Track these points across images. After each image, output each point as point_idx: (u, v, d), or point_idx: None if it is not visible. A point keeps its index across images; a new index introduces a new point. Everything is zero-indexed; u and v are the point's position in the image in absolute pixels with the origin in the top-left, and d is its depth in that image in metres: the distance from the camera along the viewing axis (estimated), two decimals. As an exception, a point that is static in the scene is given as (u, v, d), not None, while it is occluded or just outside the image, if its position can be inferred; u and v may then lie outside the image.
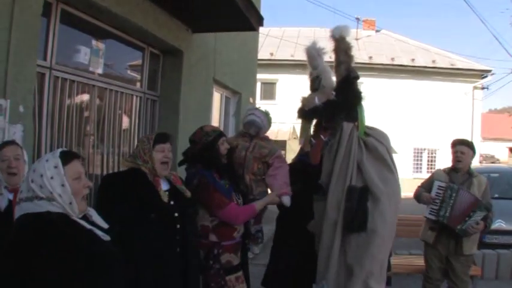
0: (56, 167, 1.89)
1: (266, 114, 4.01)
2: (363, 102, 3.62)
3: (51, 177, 1.87)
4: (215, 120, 8.26)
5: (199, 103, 6.71)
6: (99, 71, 4.72)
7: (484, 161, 26.23)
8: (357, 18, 23.83)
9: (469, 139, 5.13)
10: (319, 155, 3.55)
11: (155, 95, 5.83)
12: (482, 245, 5.95)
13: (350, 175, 3.28)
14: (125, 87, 5.24)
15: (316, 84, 3.69)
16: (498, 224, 7.02)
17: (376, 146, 3.37)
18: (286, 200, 3.60)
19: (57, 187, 1.87)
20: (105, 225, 2.05)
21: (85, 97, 4.58)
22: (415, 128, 21.35)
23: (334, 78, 3.68)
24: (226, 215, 3.24)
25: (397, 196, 3.36)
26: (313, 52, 3.76)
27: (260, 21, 6.27)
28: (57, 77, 4.07)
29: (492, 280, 6.32)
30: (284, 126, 19.23)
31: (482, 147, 26.49)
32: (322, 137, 3.56)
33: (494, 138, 40.18)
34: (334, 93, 3.59)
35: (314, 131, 3.76)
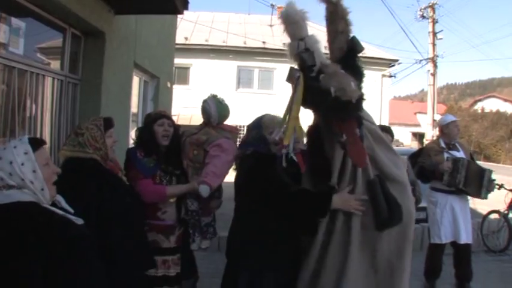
0: (26, 153, 1.86)
1: (217, 101, 3.95)
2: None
3: (22, 164, 1.83)
4: (134, 105, 8.07)
5: (120, 87, 6.52)
6: (19, 51, 4.43)
7: (389, 145, 27.74)
8: (272, 5, 24.06)
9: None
10: (365, 154, 2.78)
11: (76, 78, 5.56)
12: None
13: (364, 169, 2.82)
14: (46, 70, 4.96)
15: (310, 59, 2.83)
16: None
17: (374, 128, 3.01)
18: (203, 190, 3.48)
19: (29, 173, 1.84)
20: (71, 211, 2.03)
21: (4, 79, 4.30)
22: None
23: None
24: (137, 190, 3.28)
25: (405, 178, 3.02)
26: (297, 17, 2.90)
27: (185, 4, 6.18)
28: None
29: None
30: (198, 111, 19.07)
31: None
32: (357, 130, 2.72)
33: (399, 123, 42.84)
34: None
35: (334, 124, 2.83)
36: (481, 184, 5.31)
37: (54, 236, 1.77)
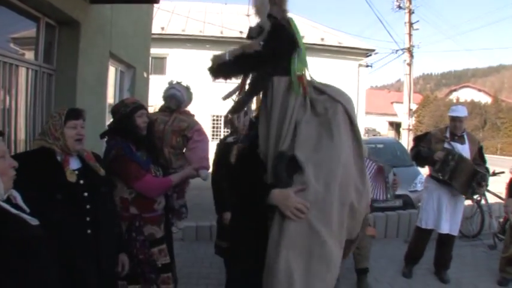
0: None
1: (187, 88, 4.03)
2: (299, 52, 2.65)
3: None
4: (110, 96, 7.98)
5: (96, 77, 6.43)
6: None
7: (366, 134, 28.07)
8: (249, -5, 23.92)
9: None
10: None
11: (51, 69, 5.47)
12: (372, 208, 6.67)
13: (283, 140, 2.43)
14: (20, 60, 4.88)
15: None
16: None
17: (327, 108, 2.49)
18: (204, 174, 3.66)
19: None
20: (27, 209, 1.93)
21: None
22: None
23: None
24: (141, 186, 3.22)
25: (329, 164, 2.31)
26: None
27: (162, -6, 6.13)
28: None
29: (382, 239, 7.27)
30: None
31: (365, 121, 28.46)
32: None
33: (376, 113, 43.33)
34: (261, 43, 2.60)
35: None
36: (470, 184, 5.34)
37: (5, 236, 1.70)
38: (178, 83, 4.08)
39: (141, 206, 3.29)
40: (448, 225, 5.53)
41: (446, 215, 5.51)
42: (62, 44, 5.59)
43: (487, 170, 5.52)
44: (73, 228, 2.57)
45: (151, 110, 4.01)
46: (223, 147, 4.74)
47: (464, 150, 5.46)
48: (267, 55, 2.53)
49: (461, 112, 5.65)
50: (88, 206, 2.67)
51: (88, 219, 2.66)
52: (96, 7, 6.09)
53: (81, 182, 2.69)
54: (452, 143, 5.51)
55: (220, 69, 2.71)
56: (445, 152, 5.39)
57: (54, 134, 2.66)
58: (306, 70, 2.67)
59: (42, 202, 2.41)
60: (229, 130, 4.89)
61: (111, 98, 8.01)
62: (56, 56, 5.58)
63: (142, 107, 3.47)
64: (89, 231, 2.65)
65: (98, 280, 2.62)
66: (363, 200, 2.38)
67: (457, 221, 5.60)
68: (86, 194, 2.69)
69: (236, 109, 2.87)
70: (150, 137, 3.51)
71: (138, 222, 3.27)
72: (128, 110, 3.37)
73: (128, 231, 3.23)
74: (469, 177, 5.31)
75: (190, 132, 3.80)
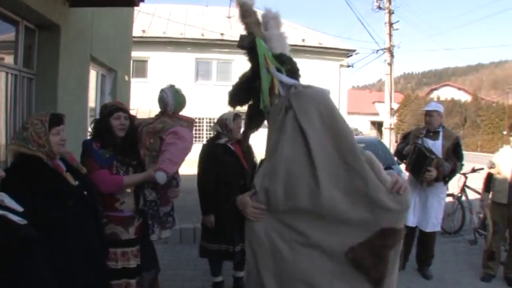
0: None
1: (175, 91, 3.98)
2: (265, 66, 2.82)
3: None
4: (91, 100, 7.92)
5: (77, 81, 6.39)
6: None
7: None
8: (230, -3, 23.95)
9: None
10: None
11: (31, 73, 5.41)
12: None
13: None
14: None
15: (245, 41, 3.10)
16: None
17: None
18: (159, 177, 3.50)
19: None
20: (20, 209, 1.96)
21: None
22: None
23: None
24: (93, 179, 3.21)
25: (273, 163, 2.36)
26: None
27: (142, -4, 6.11)
28: None
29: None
30: (157, 104, 18.83)
31: (348, 121, 28.66)
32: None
33: (357, 112, 43.65)
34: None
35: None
36: (421, 169, 5.44)
37: None
38: (171, 86, 4.04)
39: (104, 202, 3.30)
40: (417, 219, 5.63)
41: (415, 209, 5.62)
42: (42, 47, 5.54)
43: (455, 164, 5.59)
44: (86, 228, 2.77)
45: (133, 113, 3.97)
46: (214, 148, 4.74)
47: (434, 146, 5.56)
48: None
49: (431, 106, 5.80)
50: (90, 205, 2.88)
51: (92, 215, 2.88)
52: (76, 10, 6.04)
53: (77, 182, 2.82)
54: (425, 138, 5.63)
55: (230, 100, 3.10)
56: (412, 147, 5.51)
57: (38, 142, 2.67)
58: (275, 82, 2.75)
59: (56, 211, 2.54)
60: (214, 132, 4.91)
61: (92, 102, 7.96)
62: (36, 60, 5.52)
63: (120, 109, 3.51)
64: (92, 227, 2.85)
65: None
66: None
67: (429, 216, 5.67)
68: (85, 192, 2.85)
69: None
70: (128, 139, 3.54)
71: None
72: (106, 112, 3.49)
73: None
74: (421, 163, 5.44)
75: (165, 134, 3.73)
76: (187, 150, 3.78)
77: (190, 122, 4.06)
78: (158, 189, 3.74)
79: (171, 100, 3.90)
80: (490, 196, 5.86)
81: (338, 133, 2.31)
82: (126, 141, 3.53)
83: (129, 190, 3.51)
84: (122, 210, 3.44)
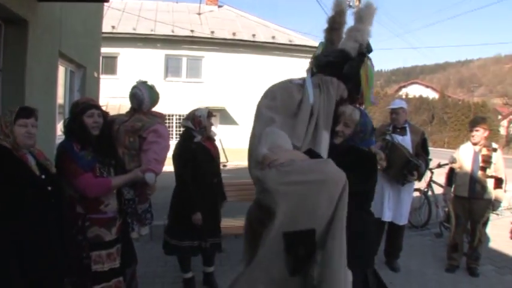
0: None
1: (149, 87, 3.92)
2: None
3: None
4: (60, 96, 7.80)
5: (45, 77, 6.29)
6: None
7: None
8: (200, -7, 23.97)
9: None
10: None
11: (-3, 69, 5.32)
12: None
13: None
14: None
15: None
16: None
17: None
18: (149, 178, 3.46)
19: None
20: None
21: None
22: (256, 100, 21.84)
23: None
24: (78, 185, 3.16)
25: None
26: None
27: (111, -8, 6.04)
28: None
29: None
30: (126, 101, 18.63)
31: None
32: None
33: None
34: None
35: None
36: (402, 172, 5.57)
37: None
38: (143, 82, 3.97)
39: (87, 205, 3.23)
40: (392, 214, 5.75)
41: (389, 204, 5.75)
42: (9, 43, 5.43)
43: (426, 161, 5.77)
44: (44, 223, 2.72)
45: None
46: (193, 146, 4.68)
47: (405, 141, 5.71)
48: None
49: (395, 104, 5.96)
50: (52, 200, 2.82)
51: (52, 213, 2.81)
52: (44, 5, 5.94)
53: (43, 176, 2.81)
54: (393, 134, 5.74)
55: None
56: (385, 143, 5.63)
57: (4, 131, 2.73)
58: None
59: (13, 197, 2.55)
60: (184, 127, 4.87)
61: (61, 99, 7.85)
62: (2, 55, 5.40)
63: (93, 106, 3.39)
64: (52, 224, 2.79)
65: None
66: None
67: (402, 210, 5.82)
68: (49, 188, 2.81)
69: None
70: (103, 137, 3.42)
71: (82, 222, 3.21)
72: (77, 109, 3.36)
73: (72, 229, 3.18)
74: (401, 165, 5.55)
75: (145, 132, 3.65)
76: (168, 148, 3.77)
77: (163, 118, 4.02)
78: (136, 187, 3.69)
79: (147, 97, 3.83)
80: (452, 190, 6.08)
81: None
82: (101, 140, 3.41)
83: (113, 191, 3.45)
84: (105, 212, 3.34)
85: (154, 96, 3.92)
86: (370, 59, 3.25)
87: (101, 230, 3.29)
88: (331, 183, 2.16)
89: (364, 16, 3.18)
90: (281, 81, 3.15)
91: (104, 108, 3.56)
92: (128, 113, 3.94)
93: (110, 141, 3.54)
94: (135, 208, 3.73)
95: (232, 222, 6.12)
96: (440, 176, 8.05)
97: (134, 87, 3.88)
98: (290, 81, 3.08)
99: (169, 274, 5.43)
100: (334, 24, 3.37)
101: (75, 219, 3.19)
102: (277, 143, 2.47)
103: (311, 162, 2.35)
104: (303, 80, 3.02)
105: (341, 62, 3.01)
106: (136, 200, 3.71)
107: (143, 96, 3.81)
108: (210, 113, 4.78)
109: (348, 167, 2.31)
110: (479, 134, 5.78)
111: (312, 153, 2.47)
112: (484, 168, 5.71)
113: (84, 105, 3.37)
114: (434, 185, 8.27)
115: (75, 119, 3.34)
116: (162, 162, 3.62)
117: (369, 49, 3.21)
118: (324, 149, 2.77)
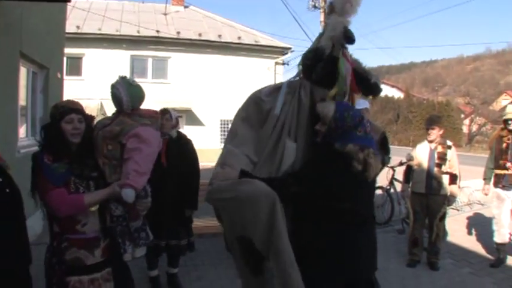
0: None
1: (127, 83, 3.32)
2: None
3: None
4: (22, 98, 7.69)
5: (5, 78, 6.20)
6: None
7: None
8: (166, -6, 23.87)
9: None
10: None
11: (-45, 70, 5.23)
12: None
13: None
14: None
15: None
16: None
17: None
18: (127, 195, 2.93)
19: None
20: None
21: None
22: (222, 101, 22.29)
23: None
24: (48, 202, 2.80)
25: None
26: None
27: (74, -8, 6.01)
28: None
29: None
30: (91, 102, 18.50)
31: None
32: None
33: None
34: None
35: None
36: None
37: None
38: (122, 78, 3.36)
39: (63, 224, 2.89)
40: None
41: None
42: (-33, 43, 5.35)
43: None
44: None
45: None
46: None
47: None
48: None
49: (360, 105, 6.10)
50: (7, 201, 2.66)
51: (10, 215, 2.65)
52: (4, 4, 5.85)
53: (1, 179, 2.68)
54: None
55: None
56: None
57: None
58: None
59: None
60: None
61: (23, 100, 7.73)
62: (-41, 56, 5.32)
63: (73, 110, 2.97)
64: (9, 224, 2.65)
65: None
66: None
67: None
68: (7, 190, 2.68)
69: None
70: (84, 146, 3.02)
71: (57, 242, 2.89)
72: (57, 114, 2.95)
73: (47, 250, 2.93)
74: None
75: (125, 138, 3.08)
76: (154, 154, 3.20)
77: (154, 118, 3.39)
78: (125, 202, 3.05)
79: (125, 95, 3.22)
80: (410, 187, 6.32)
81: None
82: (83, 149, 3.00)
83: (93, 209, 2.96)
84: (83, 232, 2.93)
85: (134, 93, 3.29)
86: (347, 53, 3.00)
87: (80, 252, 2.90)
88: (246, 200, 2.42)
89: (336, 6, 2.92)
90: (255, 91, 3.20)
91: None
92: (112, 116, 3.37)
93: (92, 150, 3.11)
94: (127, 226, 3.17)
95: (211, 222, 6.56)
96: (402, 173, 8.30)
97: (112, 87, 3.29)
98: (261, 92, 3.19)
99: (135, 275, 5.39)
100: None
101: (51, 238, 2.92)
102: (228, 162, 2.80)
103: (228, 183, 2.61)
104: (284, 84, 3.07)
105: (315, 64, 2.87)
106: (126, 216, 3.16)
107: (121, 95, 3.20)
108: (164, 109, 4.97)
109: (318, 164, 2.67)
110: (435, 132, 6.01)
111: (243, 174, 2.61)
112: (439, 165, 5.95)
113: (62, 110, 2.94)
114: (396, 183, 8.49)
115: (50, 126, 2.95)
116: (144, 173, 3.06)
117: (349, 41, 2.92)
118: (288, 157, 2.77)
